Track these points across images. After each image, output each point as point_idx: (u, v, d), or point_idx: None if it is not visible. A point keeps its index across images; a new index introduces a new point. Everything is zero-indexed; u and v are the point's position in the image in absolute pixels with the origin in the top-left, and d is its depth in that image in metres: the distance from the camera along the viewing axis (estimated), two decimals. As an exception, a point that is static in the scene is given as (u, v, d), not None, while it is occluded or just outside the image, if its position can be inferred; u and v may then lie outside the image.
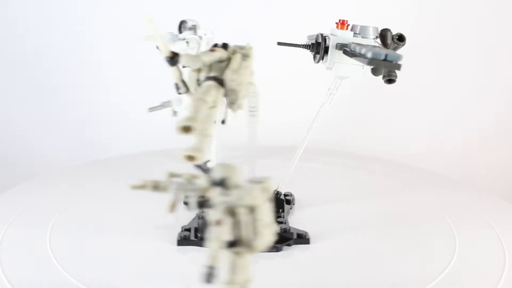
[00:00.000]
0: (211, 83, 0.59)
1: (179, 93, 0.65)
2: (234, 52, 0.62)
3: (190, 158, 0.49)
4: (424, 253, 0.77)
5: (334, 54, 0.80)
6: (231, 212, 0.46)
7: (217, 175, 0.47)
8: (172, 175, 0.54)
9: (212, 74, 0.61)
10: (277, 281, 0.68)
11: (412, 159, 1.41)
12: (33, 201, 0.98)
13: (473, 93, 1.71)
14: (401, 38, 0.78)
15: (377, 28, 0.80)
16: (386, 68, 0.78)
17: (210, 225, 0.46)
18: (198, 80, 0.62)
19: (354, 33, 0.79)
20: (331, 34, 0.81)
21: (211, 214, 0.46)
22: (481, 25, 1.67)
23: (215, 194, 0.47)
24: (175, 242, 0.80)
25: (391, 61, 0.63)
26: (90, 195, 1.02)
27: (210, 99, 0.55)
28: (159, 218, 0.88)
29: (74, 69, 1.73)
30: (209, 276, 0.45)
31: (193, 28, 0.97)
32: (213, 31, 0.98)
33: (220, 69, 0.61)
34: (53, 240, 0.80)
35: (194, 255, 0.76)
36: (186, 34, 0.96)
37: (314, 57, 0.84)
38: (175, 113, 1.06)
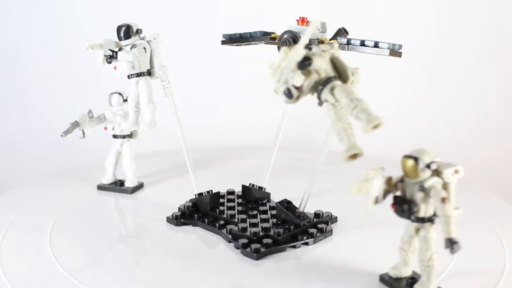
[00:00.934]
0: (339, 82, 0.61)
1: (289, 98, 0.61)
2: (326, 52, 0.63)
3: (353, 156, 0.56)
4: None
5: None
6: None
7: (427, 160, 0.57)
8: (376, 171, 0.62)
9: (333, 74, 0.62)
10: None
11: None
12: (33, 201, 0.98)
13: (473, 92, 1.71)
14: (346, 31, 0.86)
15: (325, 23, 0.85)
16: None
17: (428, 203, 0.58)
18: (315, 82, 0.61)
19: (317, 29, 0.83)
20: (301, 31, 0.82)
21: (435, 194, 0.57)
22: (479, 25, 1.67)
23: (426, 177, 0.58)
24: (173, 241, 0.80)
25: (397, 50, 0.77)
26: (90, 195, 1.02)
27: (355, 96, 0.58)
28: (159, 218, 0.89)
29: (74, 69, 1.73)
30: (455, 247, 0.54)
31: (140, 33, 0.92)
32: (161, 34, 0.93)
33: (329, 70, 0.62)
34: (53, 240, 0.80)
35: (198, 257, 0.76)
36: (133, 39, 0.91)
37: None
38: (83, 134, 1.00)
